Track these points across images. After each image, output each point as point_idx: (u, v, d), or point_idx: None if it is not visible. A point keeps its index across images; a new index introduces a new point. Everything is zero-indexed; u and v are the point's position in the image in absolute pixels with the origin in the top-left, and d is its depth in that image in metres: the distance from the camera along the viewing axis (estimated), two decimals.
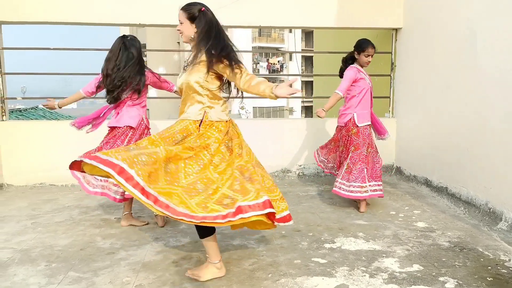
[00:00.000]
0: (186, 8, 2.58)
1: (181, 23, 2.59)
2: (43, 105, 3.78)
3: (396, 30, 5.50)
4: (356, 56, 3.95)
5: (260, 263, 2.82)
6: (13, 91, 5.80)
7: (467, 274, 2.62)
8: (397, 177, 5.44)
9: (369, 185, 3.83)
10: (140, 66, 3.46)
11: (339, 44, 8.06)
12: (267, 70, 38.96)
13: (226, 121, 2.60)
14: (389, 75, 5.67)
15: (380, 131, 4.17)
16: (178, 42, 23.49)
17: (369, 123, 3.97)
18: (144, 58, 3.61)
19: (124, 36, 3.53)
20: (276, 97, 2.23)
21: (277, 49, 39.27)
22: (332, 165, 4.28)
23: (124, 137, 3.52)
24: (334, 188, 3.93)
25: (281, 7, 5.23)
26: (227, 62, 2.44)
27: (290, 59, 41.00)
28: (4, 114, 5.10)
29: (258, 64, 38.54)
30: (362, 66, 3.95)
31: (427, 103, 4.70)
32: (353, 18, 5.32)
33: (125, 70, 3.37)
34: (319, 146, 4.41)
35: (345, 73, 3.91)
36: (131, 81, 3.41)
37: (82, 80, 5.34)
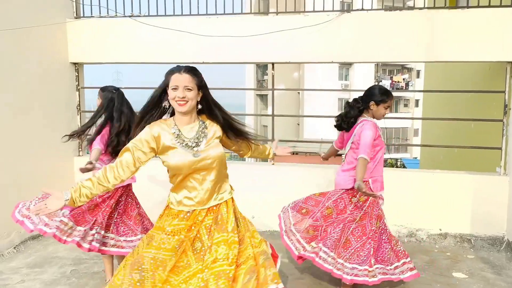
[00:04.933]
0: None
1: (189, 89, 2.07)
2: None
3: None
4: (372, 107, 3.17)
5: None
6: None
7: None
8: (508, 256, 4.14)
9: (376, 268, 3.01)
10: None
11: (447, 81, 6.89)
12: (391, 89, 36.51)
13: None
14: (501, 120, 4.42)
15: None
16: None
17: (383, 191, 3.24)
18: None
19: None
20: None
21: (402, 66, 36.75)
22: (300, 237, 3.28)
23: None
24: (334, 270, 3.02)
25: (375, 42, 4.56)
26: None
27: (418, 76, 37.94)
28: (80, 149, 5.31)
29: (380, 82, 36.42)
30: (377, 119, 3.23)
31: None
32: (460, 51, 4.37)
33: None
34: (291, 206, 3.44)
35: (364, 133, 3.07)
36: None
37: None
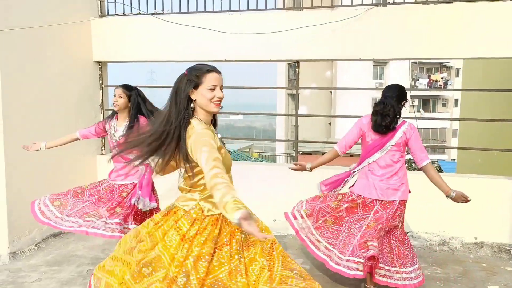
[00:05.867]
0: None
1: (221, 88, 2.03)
2: (23, 147, 3.50)
3: None
4: (403, 107, 3.09)
5: None
6: None
7: None
8: None
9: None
10: None
11: (488, 80, 6.49)
12: (428, 87, 35.28)
13: None
14: None
15: None
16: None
17: None
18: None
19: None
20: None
21: (441, 64, 35.44)
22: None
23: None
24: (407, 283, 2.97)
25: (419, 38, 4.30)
26: None
27: (457, 74, 36.48)
28: (103, 148, 5.31)
29: (417, 81, 35.22)
30: None
31: None
32: (501, 47, 4.08)
33: None
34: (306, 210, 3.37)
35: (416, 135, 3.00)
36: None
37: None
